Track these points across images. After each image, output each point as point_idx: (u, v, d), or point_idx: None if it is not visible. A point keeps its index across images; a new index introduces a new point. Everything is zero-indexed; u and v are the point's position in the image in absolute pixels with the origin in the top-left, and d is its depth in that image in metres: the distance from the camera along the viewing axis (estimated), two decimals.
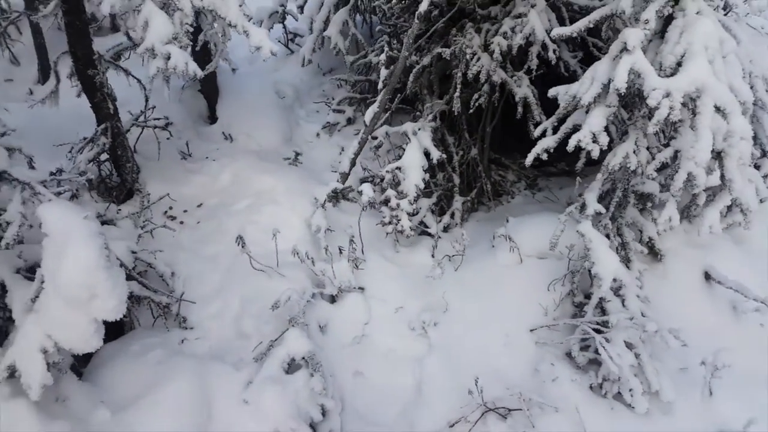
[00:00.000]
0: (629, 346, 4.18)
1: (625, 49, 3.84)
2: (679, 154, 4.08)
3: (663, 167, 4.35)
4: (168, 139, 6.35)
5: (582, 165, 4.78)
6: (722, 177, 4.17)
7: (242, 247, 4.81)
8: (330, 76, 8.26)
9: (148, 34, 3.76)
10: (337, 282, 4.94)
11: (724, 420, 4.08)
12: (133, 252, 4.52)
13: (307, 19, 7.97)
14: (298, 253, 4.91)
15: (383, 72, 5.86)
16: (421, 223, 5.82)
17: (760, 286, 4.78)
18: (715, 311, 4.82)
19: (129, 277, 4.13)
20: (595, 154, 4.16)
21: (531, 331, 4.71)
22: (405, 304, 5.01)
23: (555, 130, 4.66)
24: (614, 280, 4.37)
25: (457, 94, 5.67)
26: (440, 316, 4.91)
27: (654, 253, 4.99)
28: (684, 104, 3.81)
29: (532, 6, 5.20)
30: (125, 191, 5.51)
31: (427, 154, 5.58)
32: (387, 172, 5.51)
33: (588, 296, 4.64)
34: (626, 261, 4.76)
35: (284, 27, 8.62)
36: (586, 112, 4.20)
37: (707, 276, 4.92)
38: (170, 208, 5.65)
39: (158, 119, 6.24)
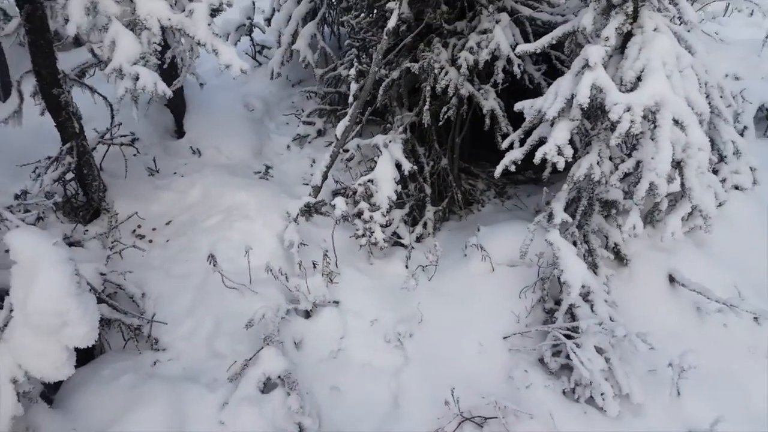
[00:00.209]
0: (599, 350, 4.26)
1: (587, 66, 3.95)
2: (641, 164, 4.20)
3: (626, 175, 4.49)
4: (135, 155, 6.25)
5: (548, 174, 4.94)
6: (682, 185, 4.31)
7: (214, 265, 4.73)
8: (299, 88, 8.26)
9: (115, 54, 3.71)
10: (311, 297, 4.92)
11: (692, 419, 4.18)
12: (102, 274, 4.42)
13: (274, 32, 7.96)
14: (271, 270, 4.88)
15: (353, 86, 5.90)
16: (395, 234, 5.85)
17: (722, 287, 4.94)
18: (680, 313, 4.94)
19: (99, 300, 4.05)
20: (561, 165, 4.26)
21: (504, 338, 4.77)
22: (380, 316, 5.01)
23: (522, 142, 4.76)
24: (582, 286, 4.46)
25: (426, 106, 5.74)
26: (415, 327, 4.93)
27: (620, 258, 5.13)
28: (645, 117, 3.95)
29: (497, 22, 5.32)
30: (92, 211, 5.40)
31: (398, 166, 5.62)
32: (359, 184, 5.53)
33: (558, 302, 4.72)
34: (593, 267, 4.89)
35: (251, 39, 8.60)
36: (551, 125, 4.31)
37: (671, 279, 5.06)
38: (139, 226, 5.54)
39: (124, 136, 6.13)
